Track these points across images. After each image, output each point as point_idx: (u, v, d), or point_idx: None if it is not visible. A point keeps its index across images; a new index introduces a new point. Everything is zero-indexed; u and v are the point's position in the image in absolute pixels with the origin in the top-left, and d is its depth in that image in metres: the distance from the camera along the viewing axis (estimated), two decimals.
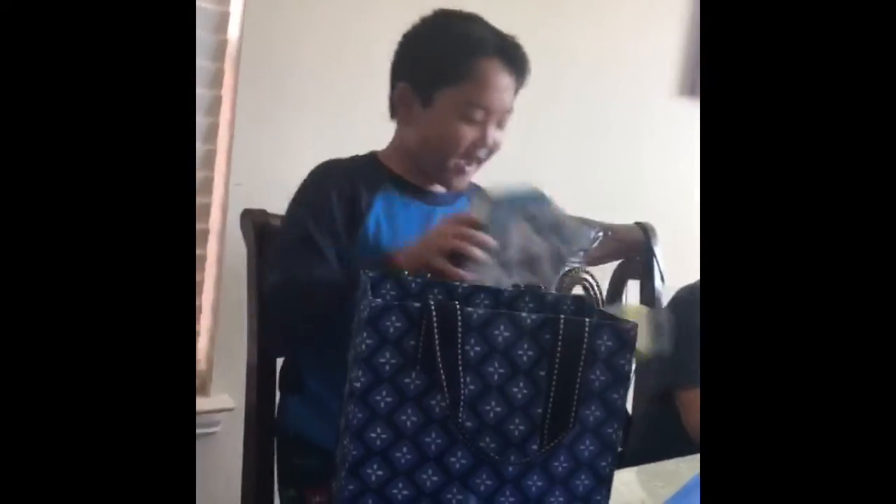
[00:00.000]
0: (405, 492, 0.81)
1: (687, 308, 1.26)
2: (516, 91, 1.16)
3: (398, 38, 1.18)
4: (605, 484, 0.84)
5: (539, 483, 0.82)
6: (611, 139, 2.01)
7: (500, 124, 1.15)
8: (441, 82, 1.12)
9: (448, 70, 1.11)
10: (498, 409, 0.80)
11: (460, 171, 1.16)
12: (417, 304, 0.78)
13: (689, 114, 2.09)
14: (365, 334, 0.77)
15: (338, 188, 1.13)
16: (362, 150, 1.24)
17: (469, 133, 1.12)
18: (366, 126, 1.23)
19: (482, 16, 1.17)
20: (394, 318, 0.78)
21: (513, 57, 1.13)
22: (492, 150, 1.16)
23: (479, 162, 1.16)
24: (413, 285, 0.93)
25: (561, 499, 0.83)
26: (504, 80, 1.13)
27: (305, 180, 1.18)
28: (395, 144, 1.21)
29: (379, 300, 0.77)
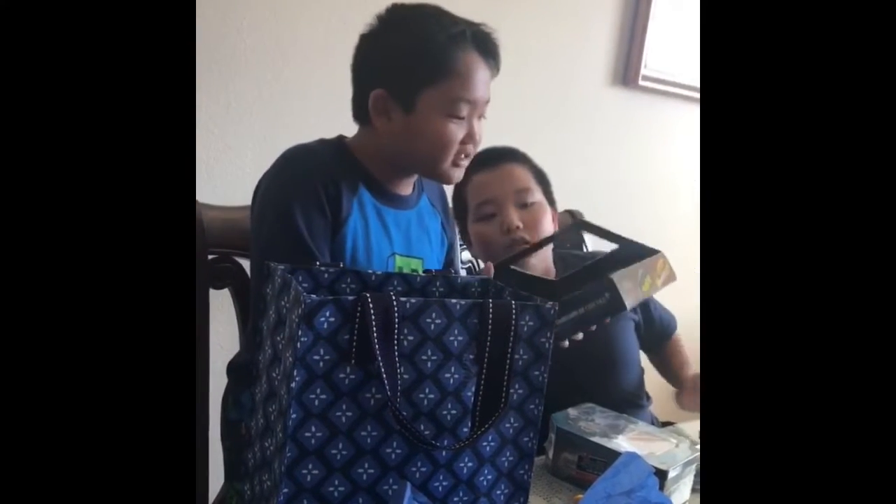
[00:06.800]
0: (341, 488, 0.79)
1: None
2: (491, 80, 1.12)
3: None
4: (527, 458, 0.88)
5: (470, 464, 0.84)
6: (547, 130, 2.02)
7: (481, 116, 1.12)
8: (422, 84, 1.06)
9: (429, 70, 1.06)
10: (431, 395, 0.81)
11: (456, 167, 1.12)
12: (351, 298, 0.76)
13: (621, 103, 2.15)
14: (300, 332, 0.74)
15: (324, 185, 1.05)
16: None
17: (457, 131, 1.08)
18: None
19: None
20: (328, 313, 0.75)
21: (488, 46, 1.09)
22: (478, 144, 1.13)
23: (469, 156, 1.13)
24: (326, 276, 0.90)
25: (489, 476, 0.86)
26: (483, 71, 1.09)
27: (286, 167, 1.09)
28: (368, 142, 1.12)
29: (314, 296, 0.75)
